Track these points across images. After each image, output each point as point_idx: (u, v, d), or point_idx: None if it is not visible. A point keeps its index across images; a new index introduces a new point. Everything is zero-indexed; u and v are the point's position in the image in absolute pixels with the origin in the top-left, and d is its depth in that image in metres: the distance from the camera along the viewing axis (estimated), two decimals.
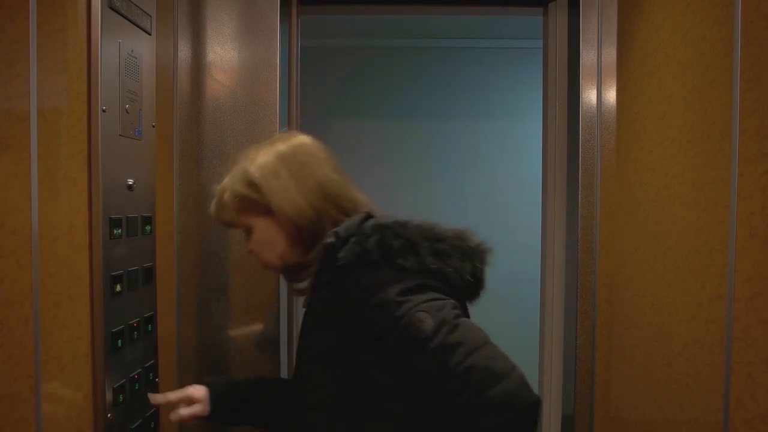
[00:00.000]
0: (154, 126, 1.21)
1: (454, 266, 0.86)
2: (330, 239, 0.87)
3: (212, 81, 1.40)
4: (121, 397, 1.06)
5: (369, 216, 0.94)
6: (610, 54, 1.44)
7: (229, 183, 1.00)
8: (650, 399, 1.19)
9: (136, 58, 1.12)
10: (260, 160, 0.98)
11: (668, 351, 1.11)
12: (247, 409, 1.11)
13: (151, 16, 1.18)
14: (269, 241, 0.98)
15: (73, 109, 0.96)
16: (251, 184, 0.96)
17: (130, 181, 1.10)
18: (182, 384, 1.38)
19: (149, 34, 1.18)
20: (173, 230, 1.37)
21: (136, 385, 1.12)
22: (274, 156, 0.97)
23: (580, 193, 1.45)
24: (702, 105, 1.00)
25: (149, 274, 1.18)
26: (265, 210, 0.96)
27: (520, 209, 2.93)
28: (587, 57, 1.46)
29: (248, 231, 1.01)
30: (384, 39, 3.03)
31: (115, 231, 1.05)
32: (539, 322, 1.63)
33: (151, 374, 1.18)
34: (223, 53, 1.40)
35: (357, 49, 3.05)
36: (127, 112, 1.09)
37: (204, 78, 1.40)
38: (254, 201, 0.96)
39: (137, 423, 1.12)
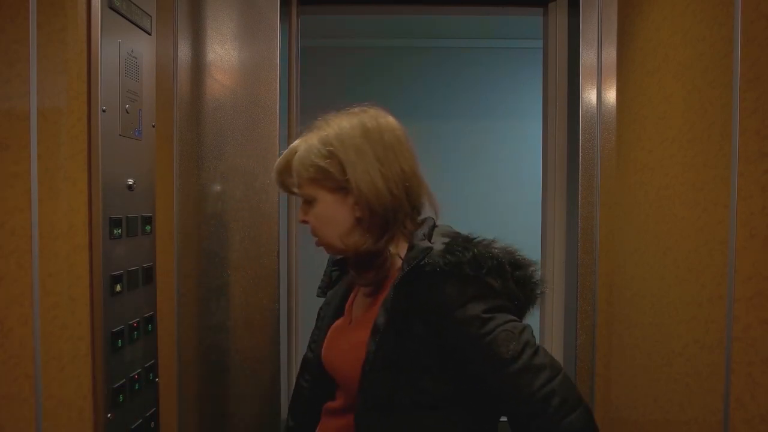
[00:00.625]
0: (154, 126, 1.21)
1: (528, 296, 0.87)
2: (425, 243, 0.85)
3: (212, 81, 1.40)
4: (121, 397, 1.05)
5: (435, 224, 0.94)
6: (610, 54, 1.43)
7: (303, 148, 0.91)
8: (650, 399, 1.19)
9: (136, 58, 1.12)
10: (343, 132, 0.90)
11: (668, 351, 1.10)
12: None
13: (151, 16, 1.18)
14: (333, 218, 0.91)
15: (73, 109, 0.96)
16: (331, 156, 0.88)
17: (130, 181, 1.10)
18: (182, 384, 1.39)
19: (149, 34, 1.18)
20: (173, 230, 1.37)
21: (136, 385, 1.12)
22: (360, 131, 0.89)
23: (580, 193, 1.45)
24: (702, 105, 1.00)
25: (149, 274, 1.18)
26: (338, 186, 0.89)
27: (520, 209, 2.93)
28: (587, 57, 1.46)
29: (309, 202, 0.92)
30: (384, 39, 3.03)
31: (115, 231, 1.05)
32: (539, 322, 1.63)
33: (151, 374, 1.18)
34: (223, 53, 1.40)
35: (357, 49, 3.05)
36: (127, 112, 1.09)
37: (204, 78, 1.40)
38: (329, 175, 0.89)
39: (137, 423, 1.12)
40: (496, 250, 0.85)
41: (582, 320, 1.45)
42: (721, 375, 0.91)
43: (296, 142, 0.94)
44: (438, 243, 0.85)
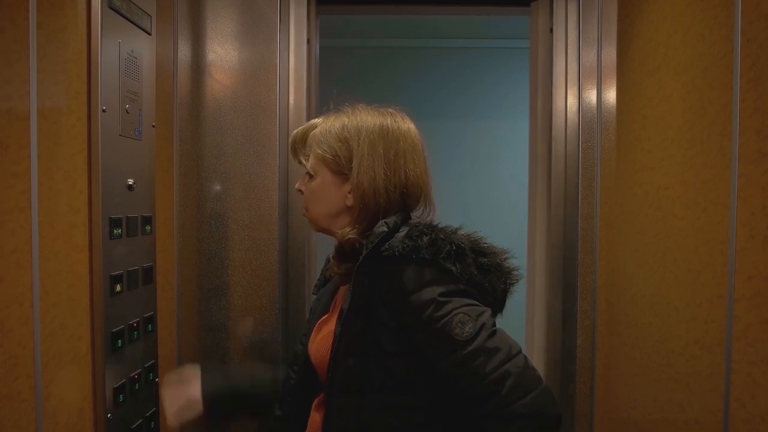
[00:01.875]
0: (154, 126, 1.21)
1: (492, 282, 0.88)
2: (383, 228, 0.87)
3: (212, 81, 1.40)
4: (121, 397, 1.06)
5: (409, 217, 0.96)
6: (610, 54, 1.43)
7: (323, 127, 0.96)
8: (650, 399, 1.19)
9: (136, 58, 1.12)
10: (364, 125, 0.94)
11: (668, 351, 1.10)
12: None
13: (151, 16, 1.18)
14: (326, 197, 0.95)
15: (73, 109, 0.96)
16: (345, 142, 0.93)
17: (130, 181, 1.10)
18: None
19: (149, 34, 1.18)
20: (173, 230, 1.37)
21: (136, 385, 1.12)
22: (379, 130, 0.93)
23: (580, 193, 1.45)
24: (702, 105, 1.00)
25: (149, 274, 1.18)
26: (340, 171, 0.94)
27: (520, 209, 2.93)
28: (587, 57, 1.46)
29: (311, 175, 0.97)
30: (385, 39, 3.04)
31: (115, 231, 1.05)
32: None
33: (151, 374, 1.18)
34: (223, 53, 1.40)
35: (357, 49, 3.05)
36: (127, 112, 1.09)
37: (204, 78, 1.40)
38: (337, 158, 0.93)
39: (137, 423, 1.12)
40: (456, 236, 0.87)
41: (582, 320, 1.45)
42: (721, 375, 0.91)
43: (319, 119, 1.00)
44: (402, 230, 0.87)
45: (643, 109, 1.26)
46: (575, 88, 1.48)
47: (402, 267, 0.84)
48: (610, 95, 1.44)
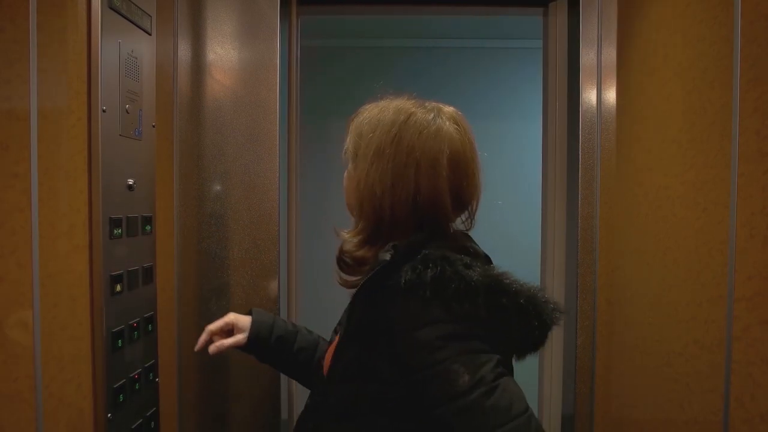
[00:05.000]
0: (154, 126, 1.21)
1: (510, 324, 0.78)
2: (385, 256, 0.79)
3: (212, 81, 1.40)
4: (121, 397, 1.05)
5: (431, 238, 0.84)
6: (610, 54, 1.43)
7: (361, 115, 0.91)
8: (650, 399, 1.19)
9: (136, 58, 1.12)
10: (384, 121, 0.86)
11: (668, 351, 1.10)
12: (280, 358, 1.11)
13: (151, 16, 1.18)
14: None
15: (73, 109, 0.96)
16: (360, 136, 0.87)
17: (130, 181, 1.10)
18: (182, 384, 1.39)
19: (149, 34, 1.18)
20: (173, 230, 1.37)
21: (136, 385, 1.12)
22: (392, 136, 0.83)
23: (580, 193, 1.45)
24: (702, 105, 1.00)
25: (149, 274, 1.17)
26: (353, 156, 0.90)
27: (521, 209, 2.93)
28: (587, 57, 1.46)
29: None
30: (384, 39, 3.03)
31: (115, 231, 1.05)
32: None
33: (151, 374, 1.18)
34: (223, 53, 1.40)
35: (357, 49, 3.05)
36: (127, 112, 1.09)
37: (204, 78, 1.40)
38: (354, 150, 0.89)
39: (137, 423, 1.12)
40: (469, 272, 0.77)
41: (582, 320, 1.45)
42: (721, 375, 0.91)
43: (370, 105, 0.92)
44: (414, 259, 0.79)
45: (643, 109, 1.26)
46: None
47: (405, 300, 0.76)
48: (610, 95, 1.44)
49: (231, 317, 1.10)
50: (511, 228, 2.86)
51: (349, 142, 0.91)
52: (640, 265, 1.25)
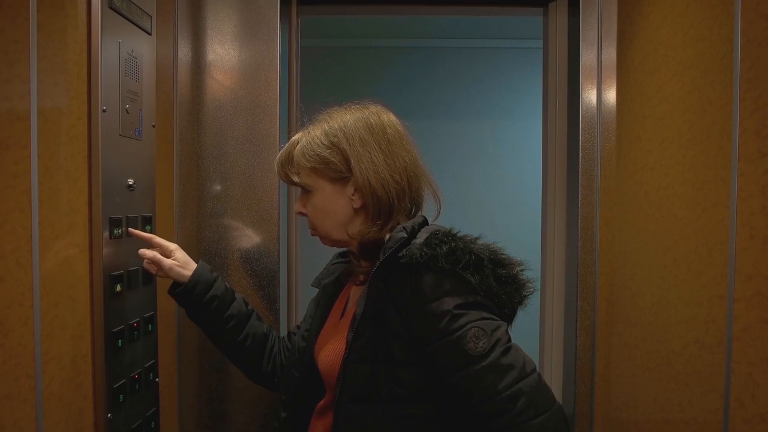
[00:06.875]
0: (154, 126, 1.21)
1: (509, 295, 0.85)
2: (401, 233, 0.85)
3: (212, 81, 1.40)
4: (121, 397, 1.06)
5: (426, 221, 0.93)
6: (610, 54, 1.43)
7: (305, 140, 0.93)
8: (650, 399, 1.19)
9: (136, 58, 1.12)
10: (347, 125, 0.92)
11: (668, 351, 1.10)
12: (211, 318, 1.09)
13: (151, 16, 1.18)
14: (332, 208, 0.93)
15: (73, 109, 0.96)
16: (333, 146, 0.91)
17: (130, 181, 1.10)
18: (182, 384, 1.39)
19: (149, 34, 1.18)
20: (173, 230, 1.37)
21: (136, 385, 1.12)
22: (363, 124, 0.92)
23: (580, 193, 1.44)
24: (702, 105, 1.00)
25: (149, 274, 1.18)
26: (338, 177, 0.91)
27: (520, 209, 2.94)
28: (587, 57, 1.46)
29: (308, 192, 0.95)
30: (384, 39, 3.04)
31: (115, 231, 1.05)
32: (539, 322, 1.63)
33: (151, 374, 1.18)
34: (223, 53, 1.40)
35: (357, 49, 3.05)
36: (127, 112, 1.09)
37: (204, 78, 1.40)
38: (330, 164, 0.91)
39: (137, 423, 1.12)
40: (476, 246, 0.84)
41: (582, 320, 1.45)
42: (721, 375, 0.91)
43: (298, 135, 0.97)
44: (421, 236, 0.86)
45: (643, 109, 1.26)
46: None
47: (419, 275, 0.82)
48: (610, 95, 1.44)
49: (175, 247, 1.08)
50: (511, 228, 2.86)
51: (315, 163, 0.91)
52: (640, 265, 1.25)
